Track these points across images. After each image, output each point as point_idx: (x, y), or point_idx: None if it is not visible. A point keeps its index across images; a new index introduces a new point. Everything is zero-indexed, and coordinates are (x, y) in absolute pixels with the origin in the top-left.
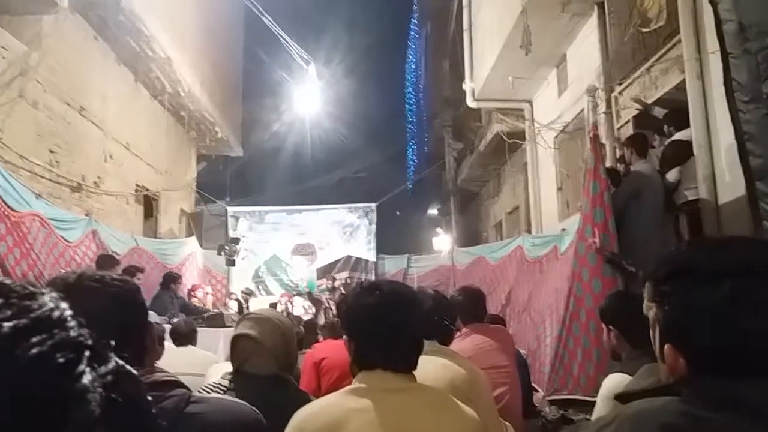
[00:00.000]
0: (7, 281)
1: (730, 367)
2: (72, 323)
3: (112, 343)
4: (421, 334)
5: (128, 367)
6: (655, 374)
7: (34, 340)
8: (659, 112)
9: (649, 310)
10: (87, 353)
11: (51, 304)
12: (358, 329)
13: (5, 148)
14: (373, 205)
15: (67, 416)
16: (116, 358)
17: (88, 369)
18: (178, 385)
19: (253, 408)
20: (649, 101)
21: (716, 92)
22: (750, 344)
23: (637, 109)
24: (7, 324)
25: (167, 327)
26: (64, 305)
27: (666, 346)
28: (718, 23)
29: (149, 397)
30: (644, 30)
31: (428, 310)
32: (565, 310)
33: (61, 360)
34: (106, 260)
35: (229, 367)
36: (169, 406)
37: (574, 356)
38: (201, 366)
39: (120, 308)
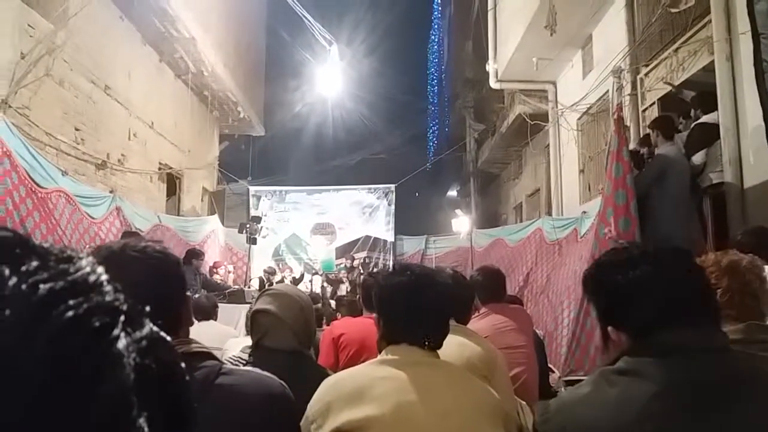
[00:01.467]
0: (46, 244)
1: (653, 326)
2: (108, 288)
3: (147, 309)
4: (447, 315)
5: (163, 333)
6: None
7: (70, 302)
8: (687, 94)
9: None
10: (122, 318)
11: (88, 268)
12: (388, 306)
13: (32, 125)
14: (393, 186)
15: (102, 380)
16: (151, 325)
17: (123, 334)
18: (210, 356)
19: (281, 381)
20: (676, 83)
21: (746, 74)
22: (661, 308)
23: (669, 85)
24: (43, 286)
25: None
26: (100, 270)
27: (609, 329)
28: (750, 3)
29: (183, 365)
30: (673, 10)
31: (449, 287)
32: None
33: (97, 324)
34: (131, 237)
35: (247, 342)
36: (200, 377)
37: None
38: (220, 340)
39: (159, 278)
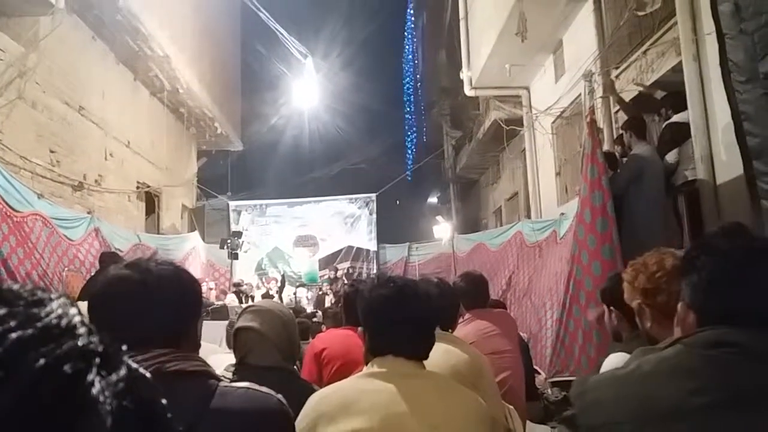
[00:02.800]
0: (15, 287)
1: (727, 320)
2: (81, 330)
3: (124, 348)
4: (432, 325)
5: (141, 370)
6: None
7: (40, 350)
8: (656, 92)
9: (633, 301)
10: (97, 361)
11: (59, 311)
12: (372, 319)
13: (6, 149)
14: (373, 196)
15: (76, 428)
16: (129, 362)
17: (97, 378)
18: (208, 375)
19: (279, 397)
20: (646, 84)
21: (713, 73)
22: (745, 304)
23: (640, 86)
24: (11, 335)
25: None
26: (73, 311)
27: (680, 305)
28: (714, 4)
29: (164, 401)
30: (640, 13)
31: (432, 297)
32: (565, 293)
33: (69, 370)
34: (109, 257)
35: (229, 359)
36: (195, 398)
37: (575, 338)
38: (206, 358)
39: (177, 291)
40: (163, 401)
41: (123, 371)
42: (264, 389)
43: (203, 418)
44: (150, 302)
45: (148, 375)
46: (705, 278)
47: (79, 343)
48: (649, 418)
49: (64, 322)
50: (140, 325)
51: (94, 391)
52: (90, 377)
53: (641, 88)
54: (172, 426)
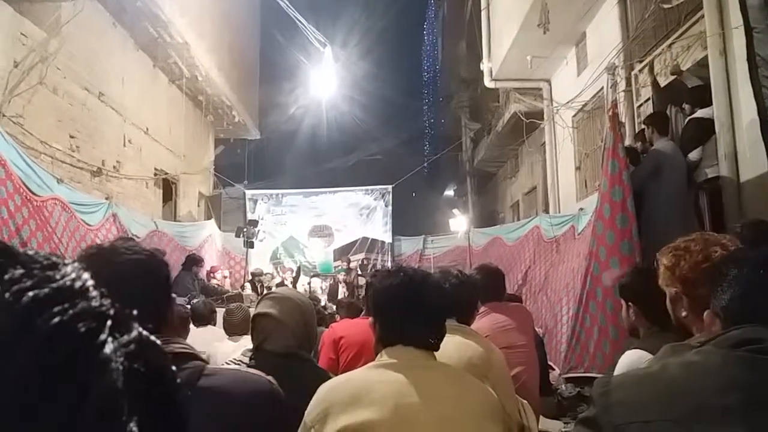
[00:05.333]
0: (30, 251)
1: (751, 320)
2: (94, 293)
3: (135, 312)
4: (443, 315)
5: (152, 337)
6: (679, 353)
7: (55, 309)
8: (691, 80)
9: (670, 287)
10: (109, 323)
11: (73, 274)
12: (382, 309)
13: (27, 134)
14: (390, 187)
15: (90, 386)
16: (139, 328)
17: (110, 338)
18: (194, 357)
19: (270, 378)
20: (670, 79)
21: (739, 68)
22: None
23: (675, 74)
24: (28, 294)
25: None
26: (86, 275)
27: (706, 313)
28: None
29: (173, 368)
30: (666, 6)
31: (450, 288)
32: (582, 288)
33: (83, 329)
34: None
35: (233, 344)
36: (182, 379)
37: (591, 334)
38: (216, 342)
39: (146, 275)
40: (173, 368)
41: (134, 334)
42: (254, 371)
43: (192, 395)
44: (112, 295)
45: (157, 341)
46: (728, 284)
47: (93, 304)
48: (676, 417)
49: (78, 284)
50: None
51: (107, 350)
52: (103, 337)
53: (676, 75)
54: (182, 392)
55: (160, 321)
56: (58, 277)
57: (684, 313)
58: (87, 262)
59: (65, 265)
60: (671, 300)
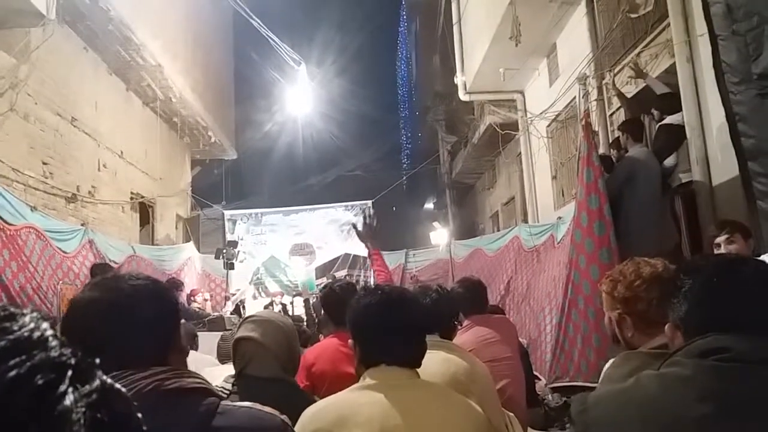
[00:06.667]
0: None
1: (711, 329)
2: (54, 343)
3: (97, 361)
4: (422, 331)
5: (116, 385)
6: (634, 360)
7: (11, 363)
8: (659, 87)
9: (613, 311)
10: (69, 373)
11: (31, 325)
12: (362, 328)
13: None
14: (369, 202)
15: None
16: (102, 376)
17: (70, 389)
18: (208, 392)
19: (284, 417)
20: (640, 87)
21: (706, 75)
22: (722, 315)
23: (638, 76)
24: None
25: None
26: (45, 325)
27: (667, 326)
28: (706, 5)
29: (139, 415)
30: (633, 16)
31: (430, 304)
32: (563, 297)
33: (40, 382)
34: (101, 268)
35: (226, 370)
36: (195, 420)
37: (574, 343)
38: (203, 370)
39: (155, 304)
40: (138, 415)
41: (96, 383)
42: (267, 409)
43: None
44: (124, 323)
45: (122, 389)
46: (685, 295)
47: (51, 355)
48: (652, 430)
49: (36, 335)
50: (121, 347)
51: (67, 402)
52: (62, 388)
53: (639, 76)
54: None
55: (170, 349)
56: (15, 328)
57: (630, 333)
58: (95, 291)
59: (23, 315)
60: (617, 322)
